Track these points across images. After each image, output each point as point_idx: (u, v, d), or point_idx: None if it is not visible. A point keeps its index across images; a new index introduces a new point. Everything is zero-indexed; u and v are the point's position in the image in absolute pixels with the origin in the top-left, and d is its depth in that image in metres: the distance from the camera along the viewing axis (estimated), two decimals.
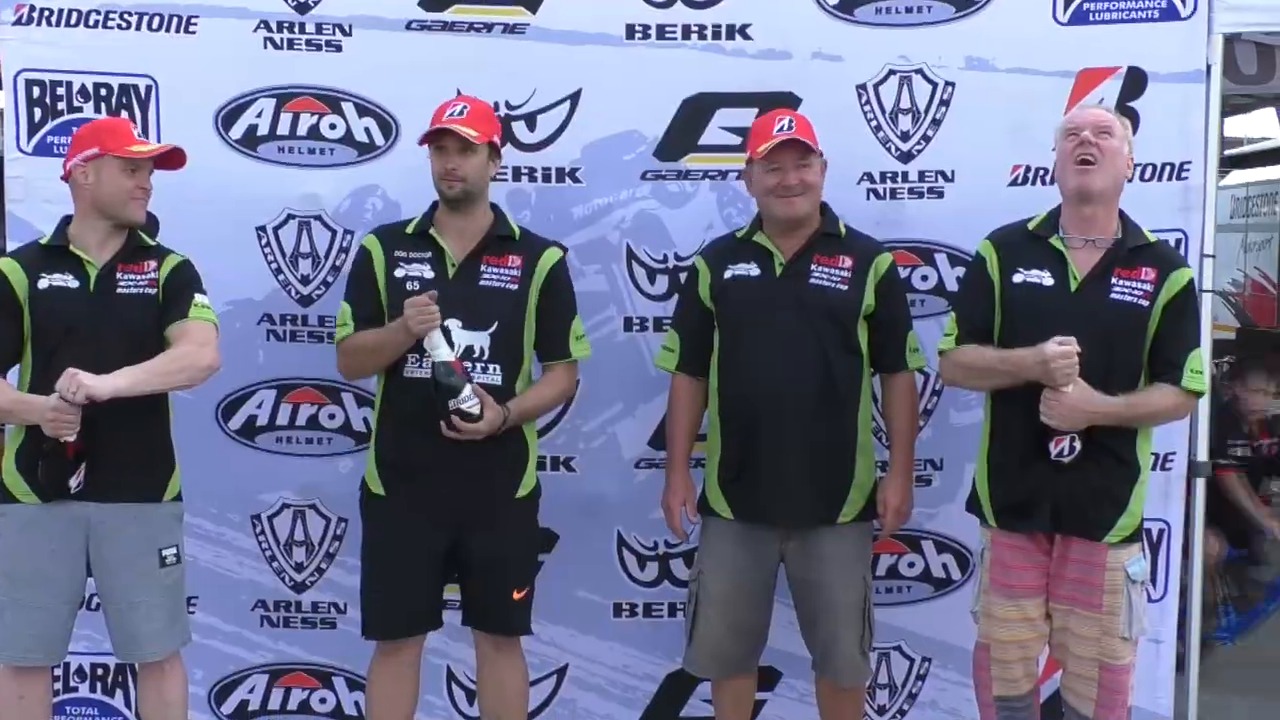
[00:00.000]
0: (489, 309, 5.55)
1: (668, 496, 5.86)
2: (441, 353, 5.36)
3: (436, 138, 5.53)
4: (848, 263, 5.68)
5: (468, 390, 5.37)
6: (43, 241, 5.53)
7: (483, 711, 5.89)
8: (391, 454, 5.61)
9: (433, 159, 5.57)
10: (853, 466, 5.71)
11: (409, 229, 5.67)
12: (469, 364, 5.47)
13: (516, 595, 5.68)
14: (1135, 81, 6.10)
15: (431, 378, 5.38)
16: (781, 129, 5.60)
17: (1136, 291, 5.29)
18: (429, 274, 5.57)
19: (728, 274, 5.73)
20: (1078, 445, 5.21)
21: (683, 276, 6.11)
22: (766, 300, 5.66)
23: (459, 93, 5.84)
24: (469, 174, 5.53)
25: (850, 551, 5.73)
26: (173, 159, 5.52)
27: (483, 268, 5.59)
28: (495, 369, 5.56)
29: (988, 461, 5.50)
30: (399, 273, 5.59)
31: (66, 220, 5.52)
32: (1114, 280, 5.31)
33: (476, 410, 5.39)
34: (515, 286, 5.59)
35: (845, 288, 5.65)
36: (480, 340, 5.55)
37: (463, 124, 5.50)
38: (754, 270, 5.70)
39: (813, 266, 5.67)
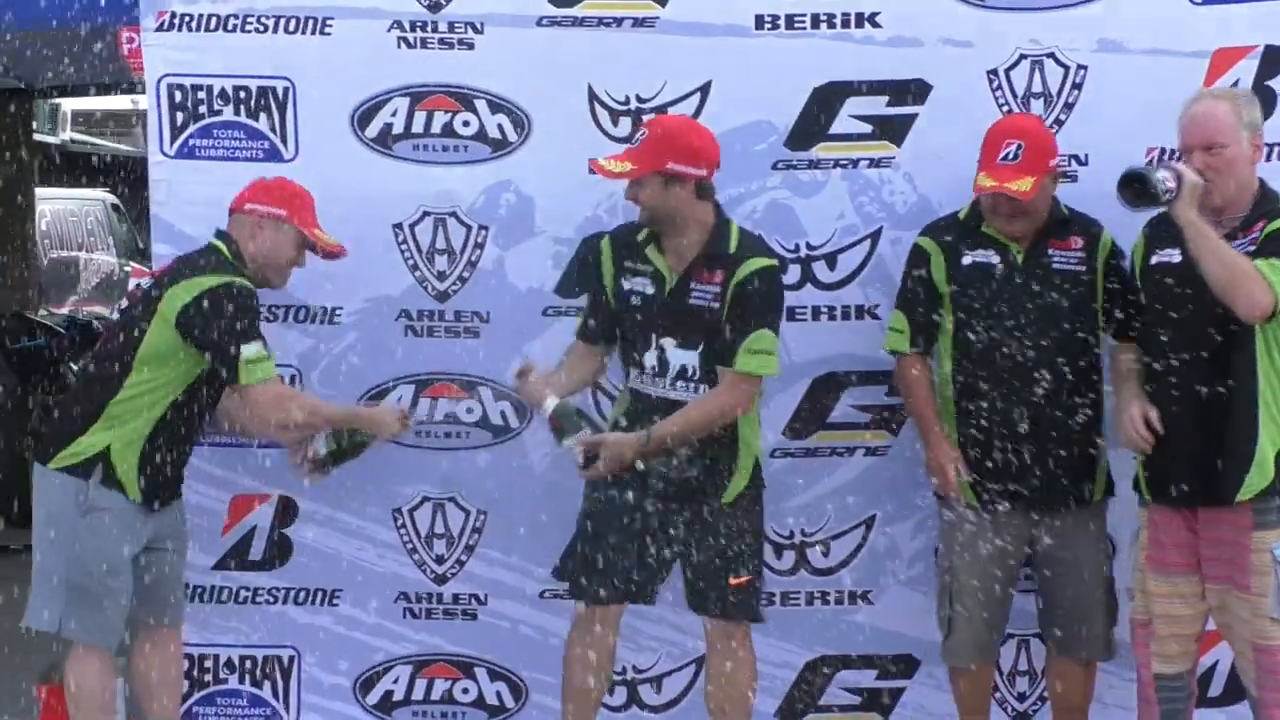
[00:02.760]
0: (697, 328, 5.65)
1: (938, 457, 5.82)
2: (545, 408, 5.64)
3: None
4: (1079, 244, 5.79)
5: (565, 442, 5.59)
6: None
7: (708, 701, 5.92)
8: None
9: None
10: (1096, 446, 5.81)
11: (639, 236, 5.76)
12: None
13: (734, 581, 5.73)
14: (1273, 59, 6.03)
15: None
16: (1006, 158, 5.67)
17: (1249, 249, 5.35)
18: (650, 289, 5.69)
19: (966, 260, 5.79)
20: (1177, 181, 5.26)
21: (815, 266, 6.16)
22: (1012, 290, 5.74)
23: (590, 91, 6.05)
24: (644, 200, 5.61)
25: (1098, 528, 5.87)
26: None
27: (692, 285, 5.66)
28: (705, 389, 5.67)
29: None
30: (625, 284, 5.74)
31: None
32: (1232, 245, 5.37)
33: (577, 460, 5.58)
34: (717, 305, 5.65)
35: (1083, 269, 5.77)
36: (691, 360, 5.67)
37: (625, 157, 5.62)
38: (994, 258, 5.77)
39: (1051, 253, 5.76)
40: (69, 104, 22.65)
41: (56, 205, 16.37)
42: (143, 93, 6.37)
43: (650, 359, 5.69)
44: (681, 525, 5.72)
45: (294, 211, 5.79)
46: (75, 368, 11.24)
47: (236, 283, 5.61)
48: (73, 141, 23.30)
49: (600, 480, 5.73)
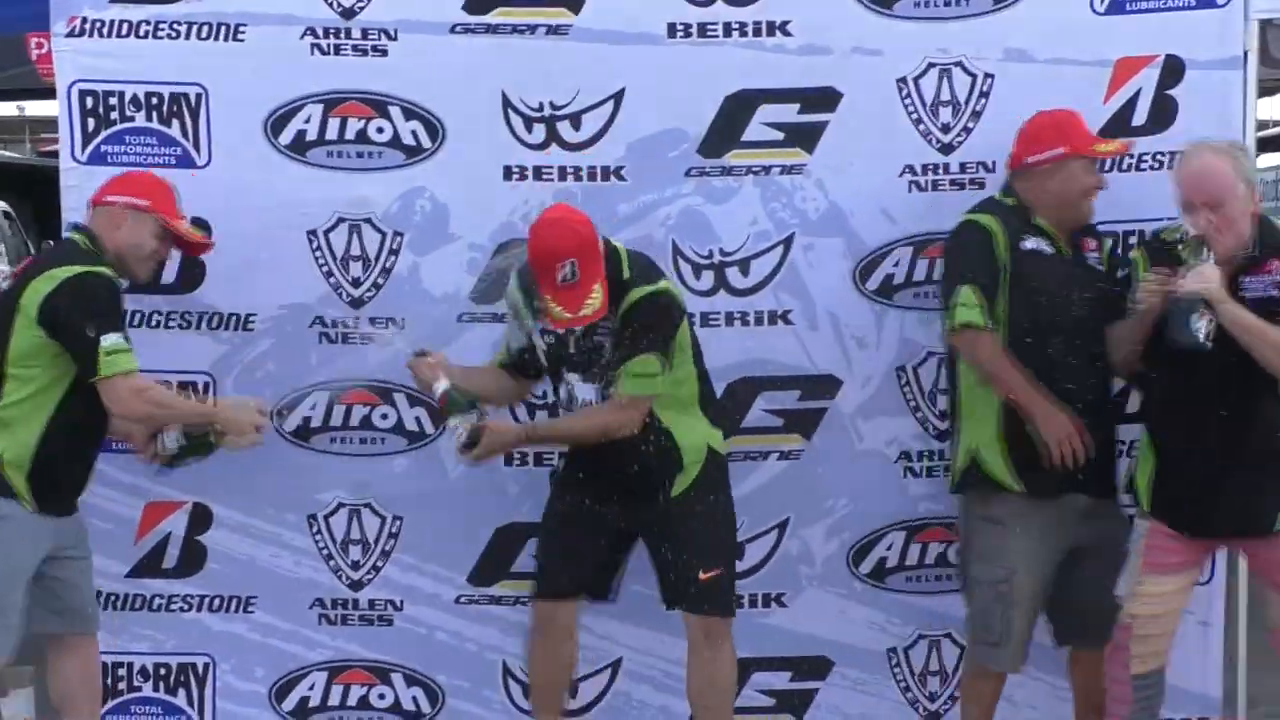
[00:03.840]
0: (597, 364, 5.69)
1: (1065, 425, 5.64)
2: (436, 389, 5.63)
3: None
4: (1094, 245, 5.90)
5: (450, 422, 5.61)
6: None
7: (689, 694, 5.95)
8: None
9: None
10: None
11: None
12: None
13: (703, 576, 5.74)
14: (1173, 69, 6.15)
15: None
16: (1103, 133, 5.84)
17: (1272, 292, 5.42)
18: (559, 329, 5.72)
19: (1026, 244, 5.77)
20: (1213, 324, 5.32)
21: (729, 272, 6.22)
22: (1065, 281, 5.78)
23: (504, 98, 6.08)
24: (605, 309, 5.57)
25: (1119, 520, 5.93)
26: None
27: (598, 323, 5.67)
28: None
29: (1153, 465, 5.63)
30: (540, 323, 5.74)
31: None
32: (1244, 279, 5.43)
33: (460, 440, 5.59)
34: (611, 338, 5.68)
35: (1102, 268, 5.89)
36: (593, 394, 5.71)
37: (582, 298, 5.49)
38: (1047, 247, 5.80)
39: (1085, 252, 5.88)
40: None
41: None
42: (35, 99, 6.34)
43: (562, 392, 5.78)
44: (626, 523, 5.78)
45: (157, 202, 5.68)
46: None
47: (96, 271, 5.47)
48: None
49: (557, 486, 5.90)
